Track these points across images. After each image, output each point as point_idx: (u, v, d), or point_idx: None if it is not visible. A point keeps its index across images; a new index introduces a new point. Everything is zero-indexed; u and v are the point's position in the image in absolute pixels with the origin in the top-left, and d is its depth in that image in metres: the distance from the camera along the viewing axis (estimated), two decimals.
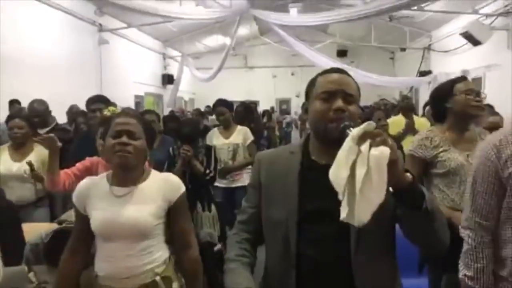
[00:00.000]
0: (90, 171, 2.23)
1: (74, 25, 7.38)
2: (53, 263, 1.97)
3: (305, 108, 1.35)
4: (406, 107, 4.60)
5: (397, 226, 1.80)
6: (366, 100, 13.20)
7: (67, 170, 2.24)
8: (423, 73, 11.02)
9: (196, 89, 15.07)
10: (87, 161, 2.30)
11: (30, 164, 2.65)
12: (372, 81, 10.00)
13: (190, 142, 2.90)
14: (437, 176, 2.06)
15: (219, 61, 10.94)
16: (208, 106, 12.70)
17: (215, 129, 3.99)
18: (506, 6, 7.07)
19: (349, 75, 1.31)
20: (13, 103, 5.11)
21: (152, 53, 11.60)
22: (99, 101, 2.96)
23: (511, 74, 7.25)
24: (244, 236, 1.38)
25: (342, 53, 14.13)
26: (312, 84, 1.32)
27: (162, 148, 3.22)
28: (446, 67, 10.20)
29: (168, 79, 12.34)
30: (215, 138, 3.83)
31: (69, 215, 2.53)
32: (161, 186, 1.63)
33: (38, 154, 2.98)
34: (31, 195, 2.92)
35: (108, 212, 1.57)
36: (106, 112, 2.22)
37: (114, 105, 2.93)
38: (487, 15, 7.37)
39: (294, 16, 8.49)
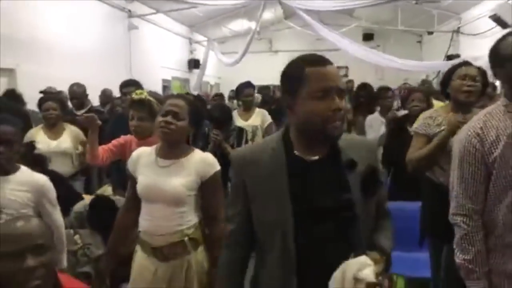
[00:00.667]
0: (124, 148, 2.46)
1: (104, 12, 7.65)
2: (95, 227, 2.23)
3: (286, 104, 1.25)
4: (426, 91, 4.64)
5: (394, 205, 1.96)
6: (392, 83, 13.11)
7: (104, 146, 2.48)
8: (450, 57, 10.81)
9: (222, 74, 15.24)
10: (122, 138, 2.53)
11: (83, 143, 2.92)
12: (397, 66, 9.91)
13: (221, 126, 3.07)
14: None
15: (244, 46, 11.06)
16: (232, 91, 12.89)
17: (235, 111, 4.16)
18: None
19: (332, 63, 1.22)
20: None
21: (178, 38, 11.82)
22: (130, 84, 3.21)
23: None
24: (237, 250, 1.34)
25: (368, 37, 13.97)
26: (299, 78, 1.20)
27: None
28: (475, 51, 9.96)
29: (194, 64, 12.56)
30: (236, 121, 3.97)
31: (104, 190, 2.78)
32: (197, 163, 1.86)
33: (70, 132, 3.26)
34: (69, 170, 3.19)
35: (150, 178, 1.83)
36: (134, 95, 2.42)
37: (142, 88, 3.17)
38: None
39: (319, 1, 8.50)
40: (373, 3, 7.23)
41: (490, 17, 7.31)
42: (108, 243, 2.01)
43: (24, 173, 1.96)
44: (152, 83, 8.73)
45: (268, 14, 11.98)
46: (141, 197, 1.88)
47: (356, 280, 1.05)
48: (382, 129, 3.90)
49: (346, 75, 16.23)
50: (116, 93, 6.05)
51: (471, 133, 1.50)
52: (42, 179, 1.99)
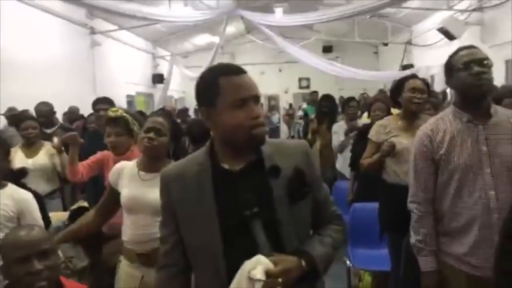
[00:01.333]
0: (102, 163, 2.55)
1: (66, 29, 7.63)
2: (75, 241, 2.29)
3: (205, 116, 1.22)
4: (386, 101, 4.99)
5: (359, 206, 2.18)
6: (351, 93, 13.61)
7: (83, 163, 2.55)
8: (405, 67, 11.42)
9: (186, 88, 15.31)
10: (99, 154, 2.62)
11: (58, 148, 3.00)
12: (356, 76, 10.37)
13: (199, 141, 3.19)
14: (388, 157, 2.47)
15: (207, 59, 11.22)
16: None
17: None
18: (479, 1, 7.50)
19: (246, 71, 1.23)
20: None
21: (142, 53, 11.84)
22: (102, 102, 3.30)
23: None
24: (173, 271, 1.27)
25: (327, 49, 14.48)
26: (212, 88, 1.18)
27: None
28: (426, 61, 10.60)
29: (158, 79, 12.58)
30: None
31: (79, 205, 2.84)
32: None
33: (47, 150, 3.30)
34: (46, 187, 3.22)
35: (134, 191, 1.95)
36: (110, 113, 2.52)
37: (114, 105, 3.28)
38: (461, 11, 7.78)
39: (279, 16, 8.82)
40: (330, 19, 7.60)
41: (438, 29, 7.83)
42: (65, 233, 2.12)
43: (10, 188, 2.03)
44: (117, 99, 8.70)
45: (230, 29, 12.23)
46: (125, 208, 1.99)
47: (249, 279, 1.05)
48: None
49: (308, 86, 16.75)
50: (82, 110, 6.08)
51: (423, 134, 1.77)
52: (26, 195, 2.06)
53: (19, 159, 3.21)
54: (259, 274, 1.04)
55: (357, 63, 13.91)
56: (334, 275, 3.43)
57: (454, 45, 8.56)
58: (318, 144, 4.53)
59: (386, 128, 2.50)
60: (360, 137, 3.36)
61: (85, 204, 2.64)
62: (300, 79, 16.66)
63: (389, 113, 3.29)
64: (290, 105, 14.69)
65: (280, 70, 16.29)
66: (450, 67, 1.76)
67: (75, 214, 2.40)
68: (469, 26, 7.67)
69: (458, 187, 1.67)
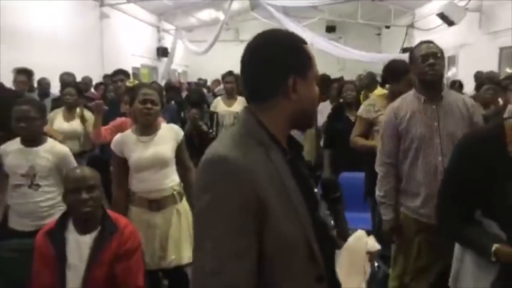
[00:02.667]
0: (121, 128, 2.89)
1: (76, 1, 7.81)
2: None
3: (291, 85, 1.01)
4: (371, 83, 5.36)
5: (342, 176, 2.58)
6: (352, 73, 13.83)
7: (105, 127, 2.89)
8: (406, 50, 11.62)
9: (189, 62, 15.50)
10: (119, 120, 2.96)
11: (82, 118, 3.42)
12: (357, 57, 10.59)
13: (197, 107, 3.55)
14: (376, 132, 2.78)
15: (211, 34, 11.39)
16: (200, 79, 13.22)
17: (219, 98, 4.55)
18: None
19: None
20: (21, 73, 5.54)
21: (147, 26, 12.01)
22: (120, 73, 3.67)
23: (480, 52, 7.93)
24: None
25: (330, 29, 14.61)
26: (304, 57, 1.04)
27: (165, 114, 3.86)
28: None
29: (162, 52, 12.78)
30: (219, 106, 4.36)
31: None
32: (170, 132, 2.41)
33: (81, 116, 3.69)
34: (76, 148, 3.53)
35: (140, 152, 2.31)
36: (128, 84, 2.84)
37: (129, 76, 3.64)
38: None
39: None
40: (335, 2, 7.81)
41: (437, 15, 8.03)
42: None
43: (50, 143, 2.38)
44: None
45: (235, 4, 12.32)
46: (135, 169, 2.32)
47: (366, 252, 1.17)
48: None
49: None
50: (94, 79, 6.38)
51: (390, 110, 2.19)
52: (64, 149, 2.41)
53: (58, 122, 3.58)
54: (376, 244, 1.19)
55: (360, 44, 14.04)
56: None
57: (453, 30, 8.81)
58: None
59: (375, 107, 2.82)
60: (334, 117, 3.69)
61: None
62: None
63: (358, 93, 3.58)
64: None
65: None
66: (412, 58, 2.13)
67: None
68: (468, 13, 7.88)
69: (415, 154, 2.07)
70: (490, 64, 7.43)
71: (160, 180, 2.30)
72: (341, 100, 3.86)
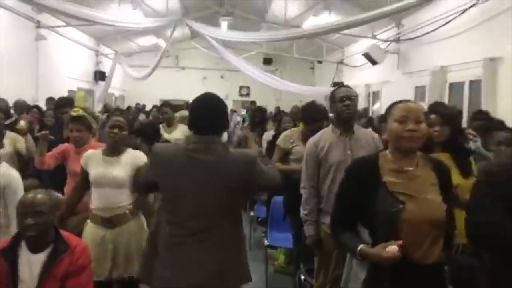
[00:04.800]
0: (64, 154, 3.00)
1: (12, 21, 7.64)
2: None
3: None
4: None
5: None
6: (288, 104, 14.50)
7: (49, 154, 2.98)
8: (336, 84, 12.54)
9: (127, 86, 15.41)
10: (61, 147, 3.05)
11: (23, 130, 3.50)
12: (292, 90, 11.24)
13: (151, 140, 3.68)
14: (292, 160, 3.22)
15: (150, 60, 11.53)
16: (138, 104, 13.20)
17: (160, 125, 4.72)
18: (397, 34, 8.64)
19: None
20: None
21: (85, 49, 11.86)
22: (67, 105, 3.80)
23: (399, 89, 8.85)
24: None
25: (268, 61, 15.32)
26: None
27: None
28: (355, 80, 11.76)
29: (100, 76, 12.64)
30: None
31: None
32: (133, 157, 2.62)
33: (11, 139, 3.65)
34: None
35: (101, 170, 2.53)
36: (72, 113, 2.98)
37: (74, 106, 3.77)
38: (383, 40, 8.90)
39: (225, 31, 9.45)
40: (270, 40, 8.39)
41: (363, 54, 8.87)
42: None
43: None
44: (58, 94, 8.80)
45: (176, 32, 12.61)
46: (93, 184, 2.56)
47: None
48: None
49: (248, 94, 17.53)
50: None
51: (311, 142, 2.59)
52: (9, 174, 2.47)
53: None
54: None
55: (295, 76, 14.89)
56: (255, 257, 4.14)
57: (377, 69, 9.72)
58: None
59: (291, 139, 3.25)
60: (271, 145, 4.10)
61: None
62: (240, 87, 17.38)
63: (295, 124, 4.03)
64: (231, 110, 15.35)
65: (222, 77, 16.87)
66: (332, 98, 2.56)
67: None
68: (388, 54, 8.80)
69: (332, 178, 2.46)
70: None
71: (114, 199, 2.51)
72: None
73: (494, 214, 1.51)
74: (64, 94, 9.87)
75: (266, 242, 3.52)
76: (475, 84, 6.33)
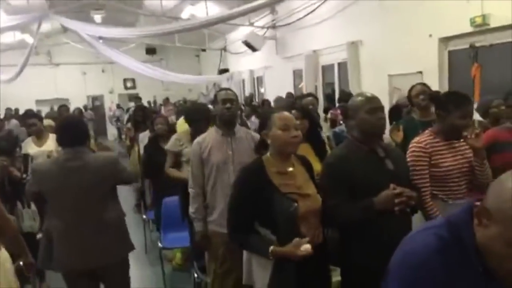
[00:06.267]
0: None
1: None
2: None
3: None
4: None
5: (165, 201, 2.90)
6: (177, 94, 14.37)
7: None
8: (222, 71, 12.72)
9: None
10: None
11: None
12: (177, 80, 11.13)
13: (8, 154, 3.37)
14: (184, 162, 3.23)
15: (17, 58, 10.43)
16: (8, 109, 11.84)
17: (29, 138, 4.32)
18: (273, 20, 9.04)
19: None
20: None
21: None
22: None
23: (280, 73, 9.33)
24: None
25: (151, 51, 14.87)
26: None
27: None
28: (239, 66, 12.06)
29: None
30: (30, 147, 4.16)
31: None
32: None
33: None
34: None
35: None
36: None
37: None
38: (260, 27, 9.24)
39: (99, 27, 8.91)
40: (148, 35, 8.19)
41: (242, 42, 9.12)
42: None
43: None
44: None
45: (45, 27, 11.50)
46: None
47: None
48: None
49: (134, 87, 16.85)
50: None
51: (196, 143, 2.63)
52: None
53: None
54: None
55: (181, 65, 14.73)
56: (150, 259, 4.12)
57: (259, 55, 10.08)
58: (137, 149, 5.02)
59: (180, 141, 3.27)
60: (150, 149, 4.07)
61: None
62: (125, 80, 16.63)
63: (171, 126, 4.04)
64: (118, 105, 14.61)
65: (103, 71, 15.96)
66: (215, 100, 2.69)
67: None
68: (267, 40, 9.17)
69: (215, 177, 2.55)
70: (288, 83, 8.83)
71: None
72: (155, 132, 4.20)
73: (335, 197, 1.86)
74: None
75: (159, 245, 3.52)
76: (342, 66, 6.96)
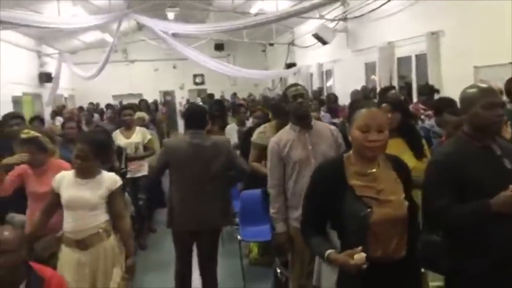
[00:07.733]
0: (21, 177, 2.88)
1: None
2: None
3: None
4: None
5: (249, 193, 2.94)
6: (244, 89, 14.57)
7: (7, 178, 2.83)
8: (289, 65, 12.66)
9: (75, 85, 14.81)
10: (18, 169, 2.90)
11: None
12: (245, 75, 11.24)
13: (107, 147, 3.58)
14: None
15: (97, 56, 11.09)
16: (91, 103, 12.70)
17: (117, 130, 4.61)
18: (344, 12, 8.80)
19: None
20: None
21: (26, 51, 11.22)
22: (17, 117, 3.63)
23: (351, 66, 9.07)
24: None
25: (219, 47, 15.12)
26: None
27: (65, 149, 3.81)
28: (307, 60, 11.92)
29: (45, 78, 12.04)
30: (118, 139, 4.40)
31: None
32: (107, 180, 2.55)
33: None
34: None
35: (71, 192, 2.47)
36: (23, 135, 2.87)
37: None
38: (331, 20, 9.04)
39: (173, 23, 9.24)
40: (218, 30, 8.32)
41: (312, 35, 8.98)
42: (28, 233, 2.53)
43: None
44: (2, 101, 8.36)
45: (122, 25, 12.16)
46: (65, 206, 2.49)
47: None
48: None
49: (202, 82, 17.33)
50: None
51: (273, 142, 2.61)
52: None
53: None
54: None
55: (248, 60, 14.88)
56: (228, 252, 4.17)
57: (328, 48, 9.86)
58: None
59: (266, 134, 3.26)
60: (245, 138, 4.09)
61: None
62: (194, 76, 17.13)
63: (267, 119, 3.98)
64: (188, 100, 15.10)
65: (174, 67, 16.55)
66: (285, 98, 2.64)
67: None
68: (337, 33, 8.96)
69: (297, 174, 2.51)
70: (359, 77, 8.57)
71: (87, 221, 2.46)
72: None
73: (443, 199, 1.68)
74: (8, 100, 9.39)
75: (239, 237, 3.56)
76: (421, 58, 6.60)
